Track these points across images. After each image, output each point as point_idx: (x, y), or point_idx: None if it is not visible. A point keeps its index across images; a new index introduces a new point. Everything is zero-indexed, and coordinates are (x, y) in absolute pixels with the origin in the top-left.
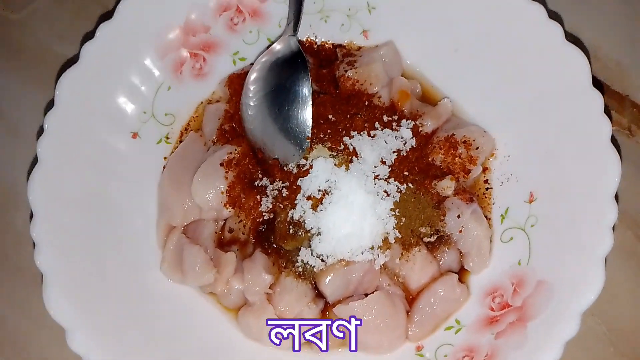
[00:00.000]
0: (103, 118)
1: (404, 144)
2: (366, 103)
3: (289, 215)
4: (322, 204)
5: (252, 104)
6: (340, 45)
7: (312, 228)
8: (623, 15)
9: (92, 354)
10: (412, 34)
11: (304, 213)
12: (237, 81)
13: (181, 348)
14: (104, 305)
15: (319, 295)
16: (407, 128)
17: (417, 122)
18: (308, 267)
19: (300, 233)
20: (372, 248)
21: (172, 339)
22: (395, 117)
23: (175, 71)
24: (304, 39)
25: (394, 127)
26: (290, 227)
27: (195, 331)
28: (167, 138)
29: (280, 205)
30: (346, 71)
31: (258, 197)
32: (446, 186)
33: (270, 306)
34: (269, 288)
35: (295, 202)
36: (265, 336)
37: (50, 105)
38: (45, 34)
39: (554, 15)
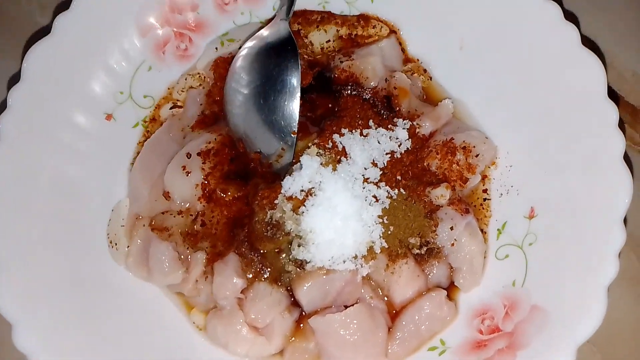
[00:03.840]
0: (74, 96)
1: (399, 146)
2: (360, 98)
3: (268, 215)
4: (304, 205)
5: (236, 91)
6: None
7: (291, 231)
8: (637, 25)
9: (38, 352)
10: (415, 26)
11: (284, 214)
12: (222, 65)
13: (140, 347)
14: (55, 297)
15: (294, 303)
16: (403, 128)
17: (415, 123)
18: (285, 273)
19: (278, 236)
20: (356, 257)
21: (130, 336)
22: (392, 116)
23: (158, 50)
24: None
25: (389, 127)
26: (268, 228)
27: (156, 331)
28: (145, 122)
29: (259, 204)
30: (341, 62)
31: (235, 192)
32: (440, 194)
33: (241, 312)
34: (241, 292)
35: (275, 202)
36: (232, 344)
37: (15, 78)
38: (27, 1)
39: (570, 17)
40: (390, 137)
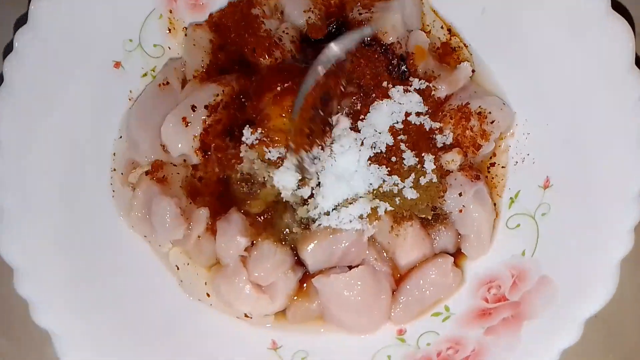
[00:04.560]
0: (81, 42)
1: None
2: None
3: (238, 172)
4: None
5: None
6: None
7: (266, 180)
8: None
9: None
10: None
11: (252, 165)
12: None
13: (140, 309)
14: (58, 248)
15: (298, 262)
16: (419, 88)
17: (431, 85)
18: (290, 232)
19: (255, 189)
20: (362, 217)
21: (130, 297)
22: (407, 74)
23: None
24: None
25: (405, 89)
26: (243, 185)
27: (155, 293)
28: (154, 71)
29: (226, 164)
30: (360, 14)
31: (233, 149)
32: (451, 160)
33: (244, 271)
34: (245, 250)
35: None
36: (235, 302)
37: (22, 21)
38: None
39: None
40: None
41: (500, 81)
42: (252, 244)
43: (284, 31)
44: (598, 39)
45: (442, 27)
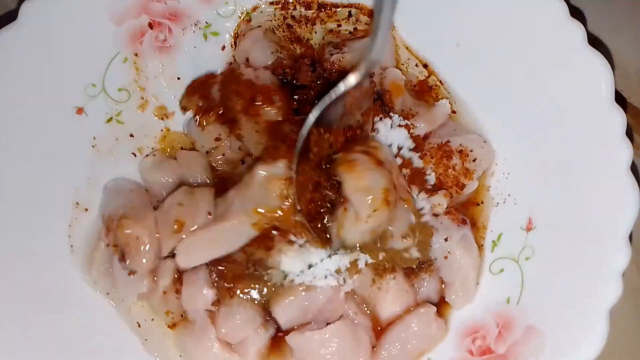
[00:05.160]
0: (41, 87)
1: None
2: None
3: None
4: None
5: None
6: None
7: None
8: None
9: None
10: (410, 21)
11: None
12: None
13: None
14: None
15: (271, 318)
16: (399, 125)
17: (409, 123)
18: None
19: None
20: (339, 271)
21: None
22: (385, 112)
23: (134, 41)
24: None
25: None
26: (250, 265)
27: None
28: (119, 117)
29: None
30: (331, 54)
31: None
32: (438, 203)
33: (212, 327)
34: (213, 305)
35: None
36: None
37: None
38: None
39: (575, 12)
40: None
41: (477, 118)
42: (219, 300)
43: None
44: (576, 73)
45: (417, 65)
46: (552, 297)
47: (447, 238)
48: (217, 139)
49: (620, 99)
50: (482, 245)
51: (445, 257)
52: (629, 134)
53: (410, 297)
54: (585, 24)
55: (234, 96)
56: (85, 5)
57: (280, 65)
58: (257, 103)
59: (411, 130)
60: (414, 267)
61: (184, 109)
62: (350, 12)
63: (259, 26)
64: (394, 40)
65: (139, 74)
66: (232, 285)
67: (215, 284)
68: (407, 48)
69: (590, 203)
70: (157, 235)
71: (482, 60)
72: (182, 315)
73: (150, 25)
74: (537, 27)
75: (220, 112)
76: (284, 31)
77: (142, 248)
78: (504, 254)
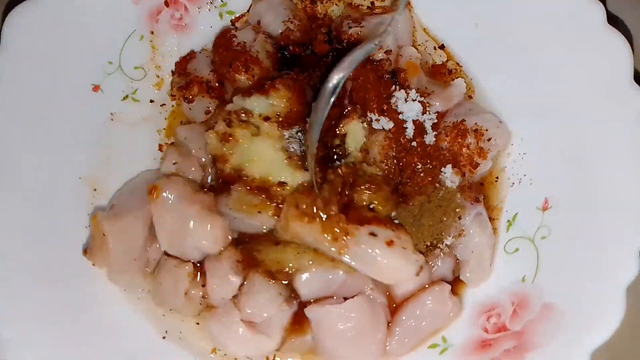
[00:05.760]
0: (58, 63)
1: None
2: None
3: None
4: None
5: None
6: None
7: None
8: None
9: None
10: (426, 1)
11: None
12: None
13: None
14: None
15: (293, 293)
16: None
17: (425, 100)
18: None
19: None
20: None
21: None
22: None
23: (151, 19)
24: None
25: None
26: None
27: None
28: (135, 95)
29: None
30: (350, 27)
31: None
32: (449, 180)
33: (236, 310)
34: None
35: None
36: (230, 344)
37: None
38: None
39: None
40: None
41: (494, 99)
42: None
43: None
44: (595, 54)
45: (435, 49)
46: (568, 275)
47: (460, 216)
48: (207, 112)
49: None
50: (495, 224)
51: (460, 235)
52: None
53: (425, 274)
54: (604, 2)
55: (218, 62)
56: None
57: (285, 38)
58: (231, 68)
59: (427, 108)
60: (429, 244)
61: (172, 96)
62: None
63: None
64: (412, 21)
65: (154, 52)
66: (256, 264)
67: (240, 266)
68: (424, 30)
69: (607, 184)
70: None
71: (500, 40)
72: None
73: (167, 3)
74: (556, 7)
75: (202, 83)
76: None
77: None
78: (519, 233)
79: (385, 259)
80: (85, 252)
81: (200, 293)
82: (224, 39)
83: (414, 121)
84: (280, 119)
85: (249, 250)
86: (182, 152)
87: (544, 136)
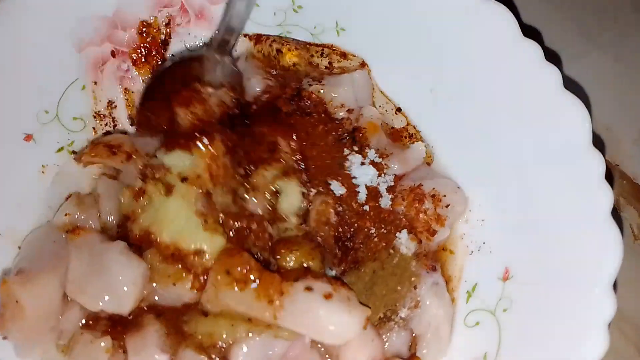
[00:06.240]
0: None
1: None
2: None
3: None
4: None
5: None
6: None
7: None
8: (613, 75)
9: None
10: (382, 65)
11: None
12: None
13: None
14: None
15: None
16: (374, 160)
17: (383, 162)
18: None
19: None
20: None
21: None
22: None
23: (95, 69)
24: None
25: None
26: None
27: None
28: (71, 146)
29: None
30: (310, 85)
31: None
32: (406, 247)
33: None
34: None
35: None
36: None
37: None
38: None
39: (551, 56)
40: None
41: (452, 165)
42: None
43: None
44: (552, 118)
45: (395, 113)
46: (531, 352)
47: (416, 286)
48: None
49: (602, 145)
50: (454, 296)
51: (416, 306)
52: (609, 179)
53: (378, 348)
54: (560, 66)
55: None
56: (48, 28)
57: (260, 97)
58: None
59: (385, 170)
60: (382, 316)
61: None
62: (323, 51)
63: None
64: (370, 82)
65: (96, 103)
66: (185, 338)
67: (167, 342)
68: (381, 92)
69: (570, 251)
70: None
71: (456, 105)
72: None
73: (113, 54)
74: (511, 71)
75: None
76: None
77: None
78: (479, 305)
79: (325, 313)
80: None
81: None
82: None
83: (367, 186)
84: (201, 181)
85: (175, 322)
86: (85, 203)
87: (501, 203)
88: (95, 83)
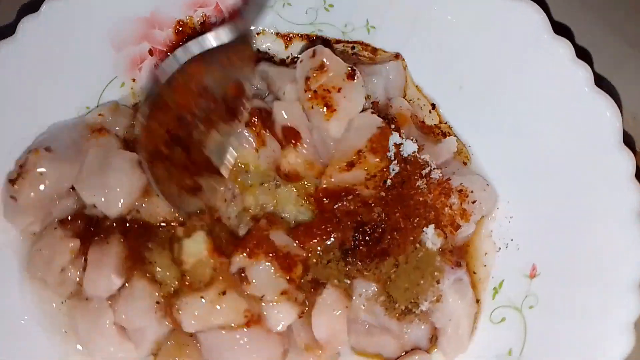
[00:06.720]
0: (35, 107)
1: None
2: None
3: None
4: None
5: None
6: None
7: None
8: None
9: None
10: (410, 63)
11: None
12: None
13: None
14: None
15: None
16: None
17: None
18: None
19: None
20: None
21: None
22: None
23: (133, 67)
24: None
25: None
26: None
27: None
28: None
29: None
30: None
31: None
32: (432, 242)
33: (110, 311)
34: None
35: None
36: (92, 344)
37: None
38: None
39: (581, 53)
40: None
41: (482, 161)
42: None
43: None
44: (583, 116)
45: (430, 112)
46: (557, 349)
47: (438, 280)
48: None
49: (632, 146)
50: (480, 292)
51: (437, 301)
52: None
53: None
54: (591, 64)
55: None
56: (86, 28)
57: None
58: None
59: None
60: (404, 308)
61: None
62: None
63: None
64: (404, 74)
65: (135, 100)
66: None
67: (125, 265)
68: (416, 87)
69: (597, 250)
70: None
71: (485, 103)
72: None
73: (151, 53)
74: (542, 70)
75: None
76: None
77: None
78: (505, 301)
79: None
80: (11, 181)
81: (78, 276)
82: None
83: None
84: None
85: (140, 245)
86: (120, 112)
87: (531, 200)
88: (134, 80)
